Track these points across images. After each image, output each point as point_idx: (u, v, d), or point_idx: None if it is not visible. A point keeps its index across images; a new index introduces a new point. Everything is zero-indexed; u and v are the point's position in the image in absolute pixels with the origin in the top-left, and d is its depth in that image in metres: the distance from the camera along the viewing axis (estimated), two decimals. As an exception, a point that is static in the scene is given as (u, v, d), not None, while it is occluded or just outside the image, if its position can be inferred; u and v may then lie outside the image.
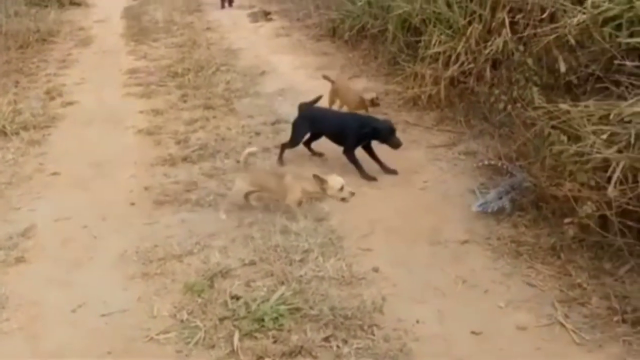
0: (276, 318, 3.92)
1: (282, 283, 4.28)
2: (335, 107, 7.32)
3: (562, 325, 3.86)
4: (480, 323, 3.91)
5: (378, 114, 7.01)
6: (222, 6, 14.77)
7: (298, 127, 6.24)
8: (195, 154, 6.51)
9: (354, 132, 5.92)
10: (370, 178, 5.87)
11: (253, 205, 5.43)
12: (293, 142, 6.26)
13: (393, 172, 5.96)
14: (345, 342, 3.75)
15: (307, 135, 6.30)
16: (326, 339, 3.78)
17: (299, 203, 5.24)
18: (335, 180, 5.09)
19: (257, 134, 7.03)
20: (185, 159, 6.41)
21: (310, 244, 4.76)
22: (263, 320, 3.90)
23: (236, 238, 4.92)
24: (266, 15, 13.32)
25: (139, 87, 8.92)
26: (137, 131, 7.29)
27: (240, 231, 5.02)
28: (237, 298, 4.15)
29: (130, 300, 4.24)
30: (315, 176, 5.10)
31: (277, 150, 6.37)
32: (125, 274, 4.55)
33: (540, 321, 3.91)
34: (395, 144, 5.87)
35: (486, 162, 5.79)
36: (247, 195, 5.39)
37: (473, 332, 3.84)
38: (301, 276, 4.36)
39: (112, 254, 4.81)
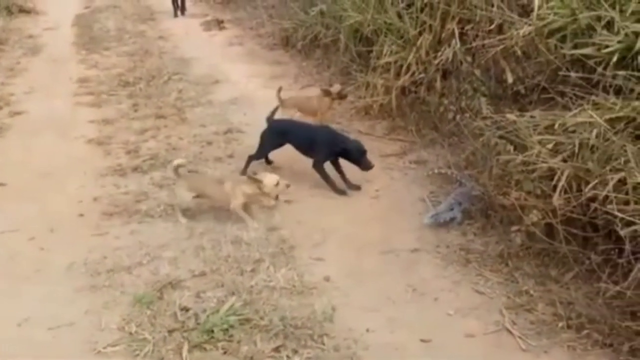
0: (226, 329, 3.91)
1: (233, 294, 4.27)
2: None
3: (509, 331, 3.94)
4: (430, 331, 3.96)
5: (332, 124, 7.06)
6: (175, 15, 14.64)
7: (268, 139, 6.18)
8: (146, 164, 6.45)
9: (324, 147, 5.91)
10: (341, 192, 5.87)
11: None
12: (260, 154, 6.22)
13: (357, 188, 5.94)
14: (295, 352, 3.77)
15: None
16: (276, 350, 3.79)
17: (244, 206, 5.26)
18: (269, 178, 5.18)
19: (209, 143, 6.98)
20: (135, 169, 6.34)
21: (262, 253, 4.78)
22: (213, 331, 3.89)
23: (186, 249, 4.90)
24: (219, 24, 13.23)
25: (89, 96, 8.77)
26: (86, 141, 7.18)
27: (191, 242, 4.99)
28: (187, 309, 4.13)
29: (78, 313, 4.18)
30: (249, 177, 5.21)
31: (230, 160, 6.36)
32: (73, 286, 4.48)
33: (488, 328, 3.98)
34: (365, 166, 5.84)
35: (436, 171, 5.85)
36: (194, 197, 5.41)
37: (423, 340, 3.89)
38: (252, 286, 4.36)
39: (59, 266, 4.74)
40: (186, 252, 4.86)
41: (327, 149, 5.88)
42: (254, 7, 13.73)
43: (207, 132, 7.31)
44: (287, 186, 5.24)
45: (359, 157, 5.83)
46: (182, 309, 4.14)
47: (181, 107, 8.21)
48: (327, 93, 7.12)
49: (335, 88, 7.20)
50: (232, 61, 10.55)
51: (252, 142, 6.34)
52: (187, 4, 15.03)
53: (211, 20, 13.60)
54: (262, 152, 6.23)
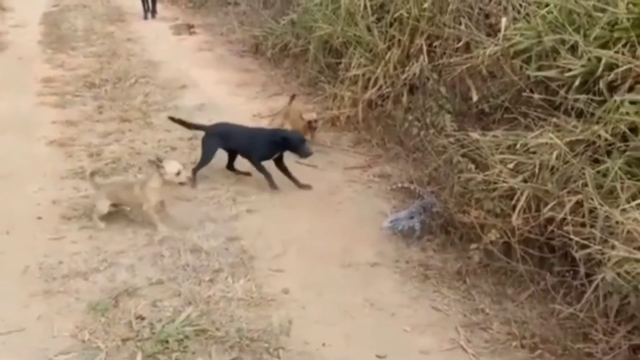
0: (181, 340, 3.87)
1: (190, 303, 4.23)
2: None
3: (464, 349, 3.95)
4: (386, 346, 3.96)
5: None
6: (145, 17, 14.51)
7: (208, 145, 6.24)
8: (108, 168, 6.37)
9: (265, 143, 6.00)
10: (275, 187, 5.99)
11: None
12: (204, 161, 6.22)
13: (307, 187, 6.07)
14: (250, 365, 3.75)
15: (217, 151, 6.29)
16: (231, 362, 3.77)
17: (158, 207, 5.30)
18: (171, 166, 5.19)
19: (173, 148, 6.92)
20: (97, 173, 6.23)
21: (221, 263, 4.75)
22: (167, 341, 3.85)
23: (144, 256, 4.84)
24: (189, 28, 13.14)
25: (53, 97, 8.63)
26: (48, 142, 7.07)
27: (150, 249, 4.94)
28: (142, 318, 4.09)
29: (30, 319, 4.11)
30: (150, 161, 5.25)
31: (192, 166, 6.28)
32: (26, 291, 4.40)
33: (442, 345, 3.99)
34: (304, 154, 5.97)
35: (399, 185, 5.88)
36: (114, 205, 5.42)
37: (378, 356, 3.89)
38: (209, 297, 4.33)
39: (13, 269, 4.65)
40: (144, 259, 4.81)
41: (268, 144, 5.98)
42: (225, 12, 13.70)
43: (171, 138, 7.24)
44: (190, 178, 5.45)
45: (298, 145, 5.93)
46: (137, 318, 4.09)
47: (147, 111, 8.12)
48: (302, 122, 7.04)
49: (309, 116, 7.02)
50: (201, 66, 10.47)
51: (216, 149, 6.31)
52: (158, 6, 14.90)
53: (181, 24, 13.51)
54: (206, 159, 6.22)
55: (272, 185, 6.01)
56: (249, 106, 8.18)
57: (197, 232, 5.16)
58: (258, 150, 6.06)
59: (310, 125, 6.97)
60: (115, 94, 8.75)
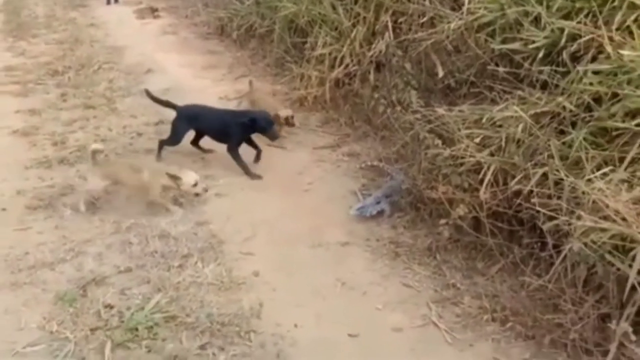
0: (151, 327, 3.85)
1: (159, 290, 4.20)
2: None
3: (436, 325, 3.98)
4: (358, 325, 3.96)
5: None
6: (108, 2, 14.28)
7: (178, 126, 6.18)
8: (73, 156, 6.26)
9: (235, 128, 5.95)
10: (255, 176, 5.90)
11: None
12: (173, 141, 6.19)
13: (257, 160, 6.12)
14: (221, 349, 3.74)
15: (188, 133, 6.25)
16: (202, 347, 3.75)
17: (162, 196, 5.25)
18: (189, 176, 5.16)
19: (140, 134, 6.83)
20: (62, 161, 6.15)
21: (190, 248, 4.71)
22: (137, 329, 3.82)
23: (112, 244, 4.79)
24: (153, 12, 12.97)
25: (15, 86, 8.46)
26: (11, 132, 6.92)
27: (117, 237, 4.88)
28: (111, 307, 4.05)
29: (-4, 312, 4.04)
30: (168, 174, 5.13)
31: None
32: (-8, 283, 4.33)
33: (414, 322, 4.00)
34: (273, 136, 6.03)
35: (368, 164, 5.87)
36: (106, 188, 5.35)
37: (350, 335, 3.89)
38: (179, 283, 4.29)
39: (-22, 263, 4.56)
40: (112, 247, 4.75)
41: (238, 127, 5.93)
42: (189, -5, 13.51)
43: (137, 123, 7.15)
44: (205, 190, 5.27)
45: (267, 127, 5.95)
46: (105, 307, 4.05)
47: (111, 97, 8.00)
48: (276, 117, 6.63)
49: (285, 112, 6.73)
50: (165, 50, 10.32)
51: (183, 134, 6.25)
52: (121, -9, 14.67)
53: (145, 8, 13.33)
54: (175, 140, 6.19)
55: (251, 175, 5.91)
56: (215, 89, 8.10)
57: (165, 218, 5.11)
58: (232, 135, 5.99)
59: (287, 122, 6.73)
60: (79, 81, 8.60)
